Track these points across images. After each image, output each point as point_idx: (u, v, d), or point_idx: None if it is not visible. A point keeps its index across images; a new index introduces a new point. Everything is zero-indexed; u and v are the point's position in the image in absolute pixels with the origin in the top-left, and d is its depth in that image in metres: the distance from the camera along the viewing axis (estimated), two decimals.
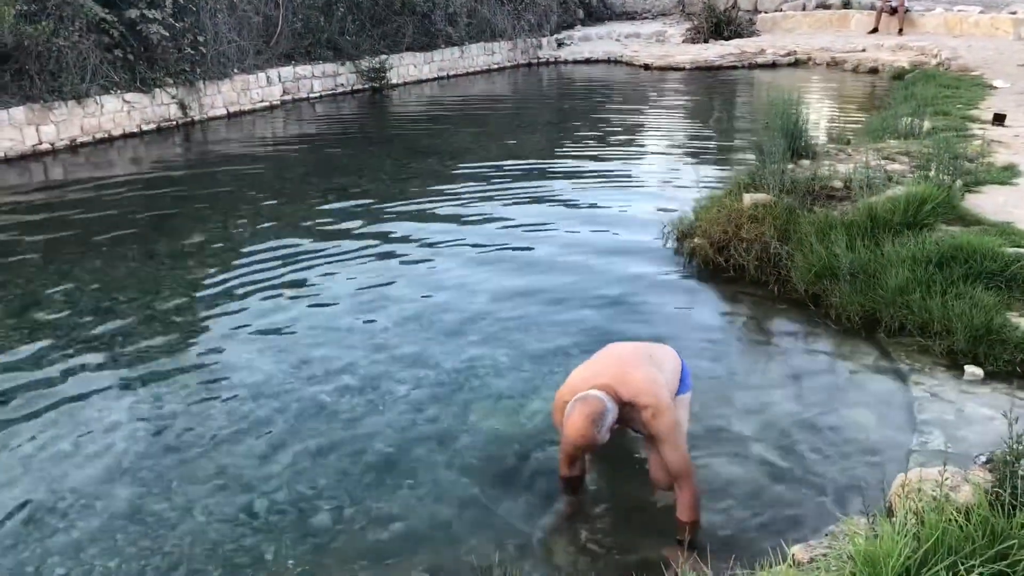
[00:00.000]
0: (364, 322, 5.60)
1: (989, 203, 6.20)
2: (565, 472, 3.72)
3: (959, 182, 6.41)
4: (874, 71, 16.63)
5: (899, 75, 15.00)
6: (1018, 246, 5.18)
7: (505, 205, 8.40)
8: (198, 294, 6.26)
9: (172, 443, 4.20)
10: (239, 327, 5.60)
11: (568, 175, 9.61)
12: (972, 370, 4.31)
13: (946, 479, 2.84)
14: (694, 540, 3.29)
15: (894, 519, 2.67)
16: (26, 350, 5.32)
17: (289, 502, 3.70)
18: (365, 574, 3.25)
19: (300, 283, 6.36)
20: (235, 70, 14.33)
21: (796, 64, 18.56)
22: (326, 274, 6.54)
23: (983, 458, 3.31)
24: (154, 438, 4.24)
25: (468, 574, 3.19)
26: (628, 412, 3.37)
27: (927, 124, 8.93)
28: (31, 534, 3.55)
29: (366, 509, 3.64)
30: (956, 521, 2.51)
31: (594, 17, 24.68)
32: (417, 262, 6.78)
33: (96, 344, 5.38)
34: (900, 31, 19.44)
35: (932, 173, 6.55)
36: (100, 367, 5.05)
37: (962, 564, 2.35)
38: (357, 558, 3.34)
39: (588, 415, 3.22)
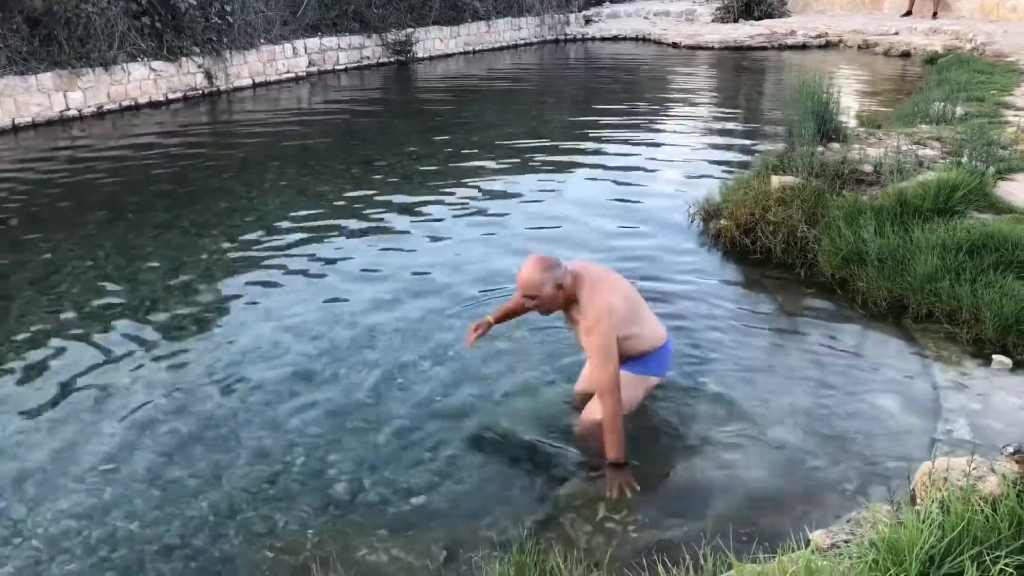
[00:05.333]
0: (386, 297, 5.59)
1: (1022, 191, 6.09)
2: (496, 315, 4.09)
3: (992, 169, 6.30)
4: (906, 55, 16.39)
5: (932, 59, 14.77)
6: None
7: (527, 181, 8.35)
8: (221, 263, 6.28)
9: (193, 411, 4.22)
10: (262, 298, 5.62)
11: (593, 153, 9.55)
12: (1000, 359, 4.25)
13: (973, 469, 2.81)
14: (615, 459, 3.49)
15: (918, 507, 2.64)
16: (49, 316, 5.37)
17: (309, 473, 3.71)
18: (383, 546, 3.26)
19: (324, 255, 6.36)
20: (261, 40, 14.33)
21: (827, 46, 18.33)
22: (350, 246, 6.55)
23: (1010, 448, 3.26)
24: (175, 406, 4.27)
25: (486, 548, 3.19)
26: (574, 312, 3.62)
27: (960, 110, 8.78)
28: (52, 495, 3.59)
29: (385, 482, 3.64)
30: (982, 511, 2.48)
31: None
32: (441, 237, 6.76)
33: (119, 311, 5.42)
34: (935, 14, 19.13)
35: (964, 159, 6.44)
36: (123, 334, 5.08)
37: (988, 555, 2.32)
38: (375, 530, 3.35)
39: (539, 259, 3.53)
